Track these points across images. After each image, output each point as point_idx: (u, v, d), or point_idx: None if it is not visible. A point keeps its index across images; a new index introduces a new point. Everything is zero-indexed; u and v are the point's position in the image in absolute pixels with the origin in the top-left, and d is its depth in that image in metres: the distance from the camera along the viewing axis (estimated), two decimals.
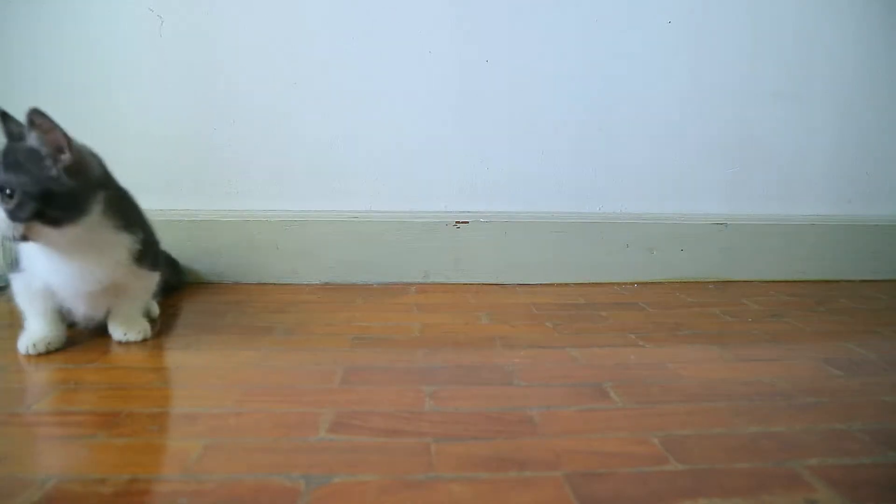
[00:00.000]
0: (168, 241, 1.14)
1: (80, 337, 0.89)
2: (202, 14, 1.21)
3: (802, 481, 0.53)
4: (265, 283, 1.25)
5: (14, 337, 0.85)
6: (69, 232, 0.74)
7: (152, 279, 0.91)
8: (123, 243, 0.81)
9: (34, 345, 0.81)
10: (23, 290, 0.83)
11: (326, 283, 1.27)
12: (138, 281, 0.87)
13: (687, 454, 0.57)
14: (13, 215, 0.70)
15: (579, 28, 1.27)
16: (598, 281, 1.31)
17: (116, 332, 0.88)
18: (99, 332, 0.91)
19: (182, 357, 0.83)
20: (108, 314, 0.89)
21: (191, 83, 1.23)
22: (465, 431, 0.61)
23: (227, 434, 0.60)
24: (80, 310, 0.85)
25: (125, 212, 0.83)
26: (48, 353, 0.82)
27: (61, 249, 0.77)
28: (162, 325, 0.96)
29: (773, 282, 1.33)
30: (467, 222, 1.28)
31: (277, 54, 1.24)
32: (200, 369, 0.78)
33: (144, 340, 0.88)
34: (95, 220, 0.77)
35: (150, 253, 0.87)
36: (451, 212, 1.30)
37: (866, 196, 1.40)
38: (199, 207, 1.27)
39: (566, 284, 1.30)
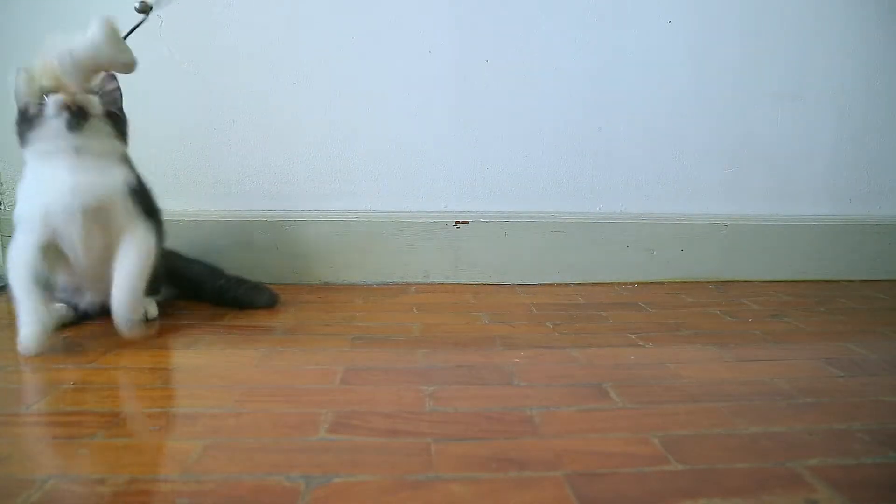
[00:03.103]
0: (168, 242, 1.14)
1: (80, 337, 0.89)
2: (202, 14, 1.21)
3: (803, 481, 0.53)
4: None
5: (14, 337, 0.85)
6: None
7: (149, 239, 0.88)
8: (121, 170, 0.87)
9: (26, 347, 0.79)
10: (18, 256, 0.81)
11: (326, 283, 1.27)
12: (135, 231, 0.86)
13: (687, 454, 0.57)
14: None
15: (579, 27, 1.27)
16: (598, 281, 1.31)
17: (121, 310, 0.83)
18: (98, 332, 0.91)
19: (182, 357, 0.83)
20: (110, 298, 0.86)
21: (190, 83, 1.23)
22: (465, 431, 0.61)
23: (227, 434, 0.60)
24: (79, 252, 0.83)
25: (125, 148, 0.90)
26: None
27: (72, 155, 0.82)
28: (162, 326, 0.96)
29: (773, 282, 1.33)
30: (467, 222, 1.28)
31: (277, 54, 1.24)
32: (200, 369, 0.78)
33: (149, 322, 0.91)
34: (102, 128, 0.84)
35: (143, 199, 0.89)
36: (451, 212, 1.30)
37: (866, 196, 1.39)
38: (199, 207, 1.27)
39: (566, 284, 1.30)
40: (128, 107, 1.22)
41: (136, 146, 1.25)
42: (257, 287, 1.10)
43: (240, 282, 1.10)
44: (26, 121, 0.83)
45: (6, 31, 1.20)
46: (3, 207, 1.27)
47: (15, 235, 0.83)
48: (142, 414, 0.64)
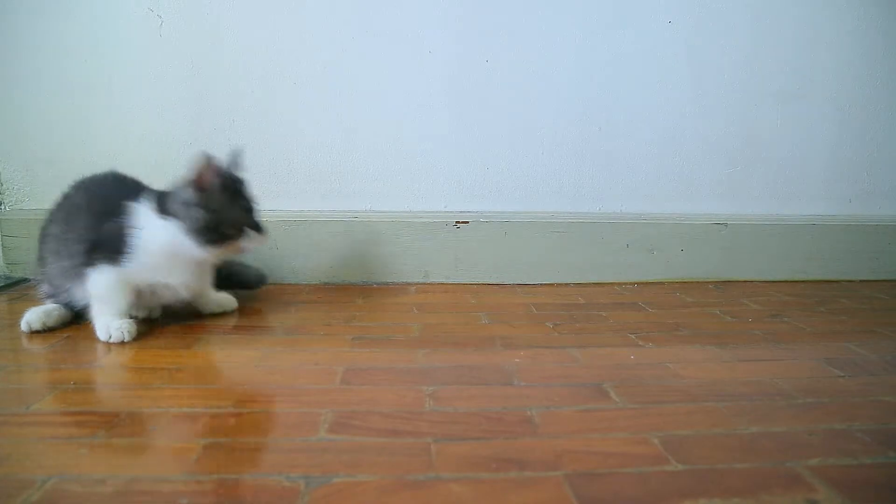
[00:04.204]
0: None
1: (80, 337, 0.89)
2: (202, 14, 1.21)
3: (802, 481, 0.53)
4: (265, 283, 1.25)
5: (14, 337, 0.85)
6: None
7: None
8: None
9: (120, 331, 0.87)
10: (112, 282, 0.88)
11: (326, 283, 1.27)
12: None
13: (687, 454, 0.57)
14: None
15: (579, 28, 1.27)
16: (598, 281, 1.31)
17: (216, 305, 1.03)
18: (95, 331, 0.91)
19: (182, 357, 0.83)
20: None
21: (191, 83, 1.23)
22: (465, 431, 0.61)
23: (227, 434, 0.60)
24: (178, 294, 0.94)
25: None
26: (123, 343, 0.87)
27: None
28: (162, 326, 0.96)
29: (773, 282, 1.33)
30: (467, 222, 1.28)
31: (277, 54, 1.24)
32: (200, 369, 0.78)
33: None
34: None
35: None
36: (451, 212, 1.30)
37: (866, 196, 1.39)
38: None
39: (566, 284, 1.30)
40: (130, 107, 1.23)
41: (138, 146, 1.26)
42: (247, 266, 1.17)
43: (230, 262, 1.16)
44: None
45: (8, 30, 1.20)
46: (3, 207, 1.27)
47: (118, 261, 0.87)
48: (142, 414, 0.64)
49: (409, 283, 1.28)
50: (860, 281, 1.35)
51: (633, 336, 0.94)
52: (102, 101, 1.23)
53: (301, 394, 0.70)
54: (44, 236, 0.96)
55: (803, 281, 1.35)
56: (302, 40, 1.24)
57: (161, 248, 0.88)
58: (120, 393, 0.70)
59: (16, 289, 1.18)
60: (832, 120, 1.36)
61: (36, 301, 0.96)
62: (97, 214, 0.90)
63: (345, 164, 1.28)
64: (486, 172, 1.31)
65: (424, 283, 1.28)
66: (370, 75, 1.25)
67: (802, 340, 0.94)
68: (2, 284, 1.20)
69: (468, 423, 0.63)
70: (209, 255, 0.90)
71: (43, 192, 1.26)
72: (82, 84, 1.22)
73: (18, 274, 1.24)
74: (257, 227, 0.93)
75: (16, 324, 0.90)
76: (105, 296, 0.88)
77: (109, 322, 0.87)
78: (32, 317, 0.90)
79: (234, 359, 0.82)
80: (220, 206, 0.88)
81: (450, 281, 1.29)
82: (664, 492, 0.51)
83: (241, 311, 1.06)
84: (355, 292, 1.20)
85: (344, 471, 0.53)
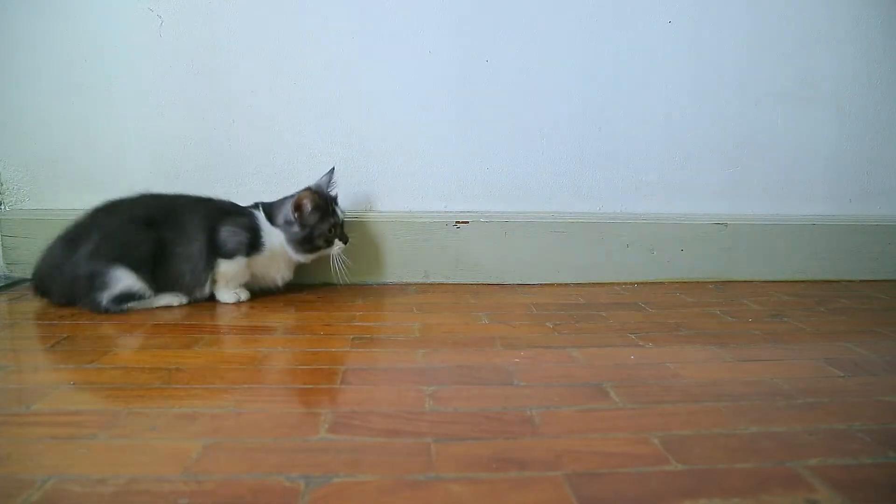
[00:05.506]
0: None
1: (80, 337, 0.89)
2: (202, 14, 1.21)
3: (802, 481, 0.53)
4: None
5: (14, 337, 0.85)
6: None
7: None
8: None
9: (246, 294, 1.14)
10: (242, 267, 1.11)
11: (327, 283, 1.27)
12: None
13: (687, 454, 0.57)
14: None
15: (579, 28, 1.27)
16: (598, 281, 1.31)
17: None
18: (98, 332, 0.91)
19: (182, 357, 0.83)
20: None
21: (190, 83, 1.23)
22: (465, 431, 0.61)
23: (227, 434, 0.60)
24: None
25: None
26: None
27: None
28: (162, 325, 0.96)
29: (773, 282, 1.33)
30: (467, 222, 1.28)
31: (277, 54, 1.23)
32: (200, 369, 0.78)
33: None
34: None
35: None
36: (451, 212, 1.30)
37: (866, 196, 1.39)
38: None
39: (566, 284, 1.30)
40: (129, 107, 1.23)
41: (139, 146, 1.26)
42: None
43: None
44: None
45: (8, 30, 1.20)
46: (3, 207, 1.27)
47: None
48: (142, 414, 0.64)
49: (409, 283, 1.28)
50: (860, 281, 1.35)
51: (633, 336, 0.94)
52: (102, 101, 1.23)
53: (301, 394, 0.70)
54: (148, 241, 1.03)
55: (803, 281, 1.35)
56: (302, 40, 1.24)
57: (274, 247, 1.12)
58: (120, 393, 0.70)
59: (16, 289, 1.18)
60: (832, 120, 1.36)
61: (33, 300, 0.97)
62: (206, 219, 1.08)
63: (345, 164, 1.28)
64: (486, 172, 1.31)
65: (424, 283, 1.28)
66: (370, 75, 1.25)
67: (802, 340, 0.94)
68: (2, 284, 1.20)
69: (468, 423, 0.63)
70: (304, 259, 1.15)
71: (43, 192, 1.26)
72: (82, 84, 1.22)
73: (18, 274, 1.24)
74: (342, 238, 1.16)
75: (16, 324, 0.90)
76: (234, 276, 1.10)
77: (235, 291, 1.12)
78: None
79: (234, 359, 0.82)
80: (314, 223, 1.11)
81: (450, 281, 1.29)
82: (664, 492, 0.51)
83: (242, 310, 1.06)
84: (355, 292, 1.21)
85: (344, 471, 0.53)
